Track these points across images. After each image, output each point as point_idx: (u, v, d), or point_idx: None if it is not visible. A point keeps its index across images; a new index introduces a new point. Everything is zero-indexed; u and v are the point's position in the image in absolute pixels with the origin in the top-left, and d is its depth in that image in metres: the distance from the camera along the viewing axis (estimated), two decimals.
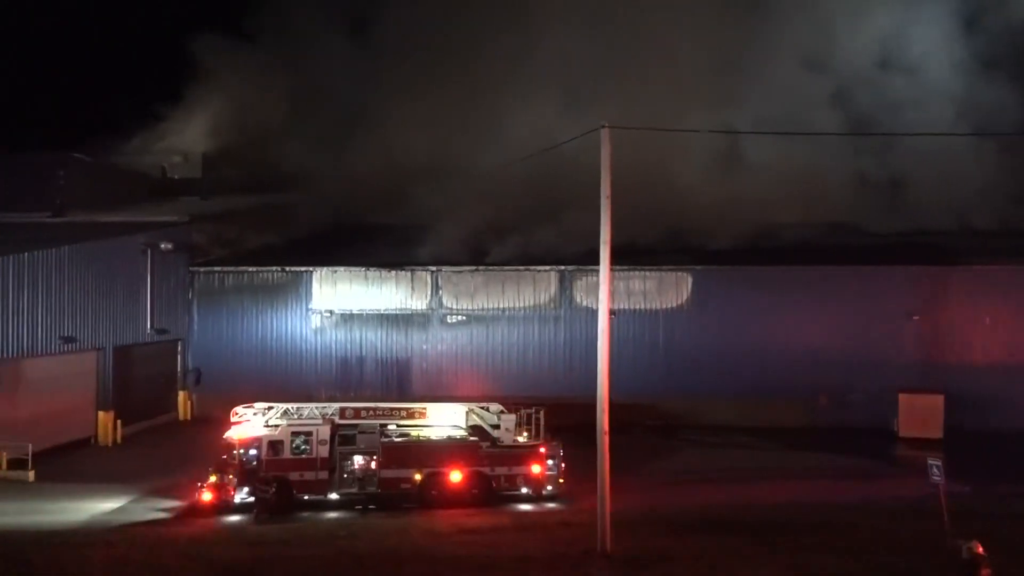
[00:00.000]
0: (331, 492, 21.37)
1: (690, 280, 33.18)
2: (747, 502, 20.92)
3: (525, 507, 21.38)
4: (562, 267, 33.54)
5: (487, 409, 22.65)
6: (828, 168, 39.66)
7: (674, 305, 33.20)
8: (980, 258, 33.77)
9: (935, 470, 17.30)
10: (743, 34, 41.02)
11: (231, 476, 20.75)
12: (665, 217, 35.55)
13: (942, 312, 31.88)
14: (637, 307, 33.19)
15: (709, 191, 36.53)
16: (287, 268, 34.67)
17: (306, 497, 21.22)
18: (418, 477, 21.12)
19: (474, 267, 34.16)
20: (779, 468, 25.10)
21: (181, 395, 34.11)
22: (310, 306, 34.25)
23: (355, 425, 22.00)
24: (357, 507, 21.33)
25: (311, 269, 34.44)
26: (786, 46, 41.46)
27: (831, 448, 27.74)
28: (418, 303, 34.07)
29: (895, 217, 39.17)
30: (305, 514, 20.90)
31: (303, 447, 21.19)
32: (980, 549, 11.89)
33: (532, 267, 33.89)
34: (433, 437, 22.07)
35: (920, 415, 29.23)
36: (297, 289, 34.43)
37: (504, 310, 33.74)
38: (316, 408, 22.24)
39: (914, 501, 19.73)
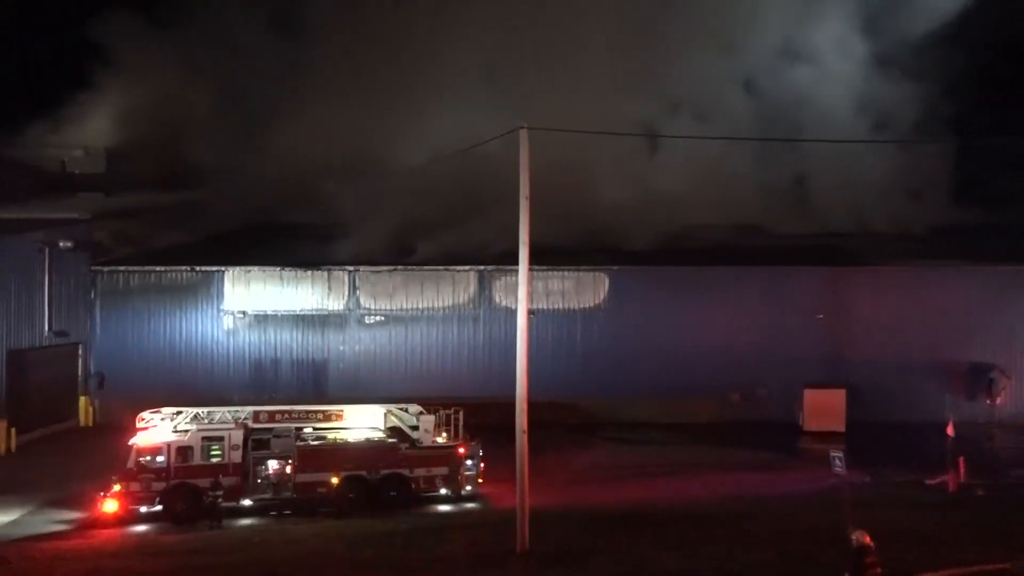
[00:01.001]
0: (244, 498, 20.78)
1: (607, 280, 33.72)
2: (662, 497, 21.41)
3: (445, 508, 21.33)
4: (481, 267, 33.57)
5: (406, 410, 22.47)
6: (739, 172, 41.09)
7: (592, 305, 33.70)
8: (879, 259, 35.53)
9: (837, 461, 18.08)
10: (660, 37, 41.99)
11: (136, 484, 19.93)
12: (583, 218, 36.09)
13: (844, 310, 33.33)
14: (556, 307, 33.54)
15: (625, 192, 37.27)
16: (197, 268, 33.50)
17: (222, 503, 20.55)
18: (335, 481, 20.75)
19: (392, 267, 33.82)
20: (692, 463, 25.75)
21: (83, 401, 32.50)
22: (222, 307, 33.20)
23: (269, 429, 21.46)
24: (272, 513, 20.81)
25: (223, 269, 33.38)
26: (699, 52, 42.65)
27: (741, 442, 28.67)
28: (335, 303, 33.48)
29: (801, 220, 40.89)
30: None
31: (215, 452, 20.54)
32: (867, 539, 12.42)
33: (451, 267, 33.79)
34: (351, 440, 21.75)
35: (824, 409, 30.53)
36: (208, 289, 33.31)
37: (423, 310, 33.53)
38: (228, 412, 21.60)
39: (818, 492, 20.62)
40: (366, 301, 33.58)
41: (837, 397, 30.67)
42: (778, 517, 19.38)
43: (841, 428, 29.89)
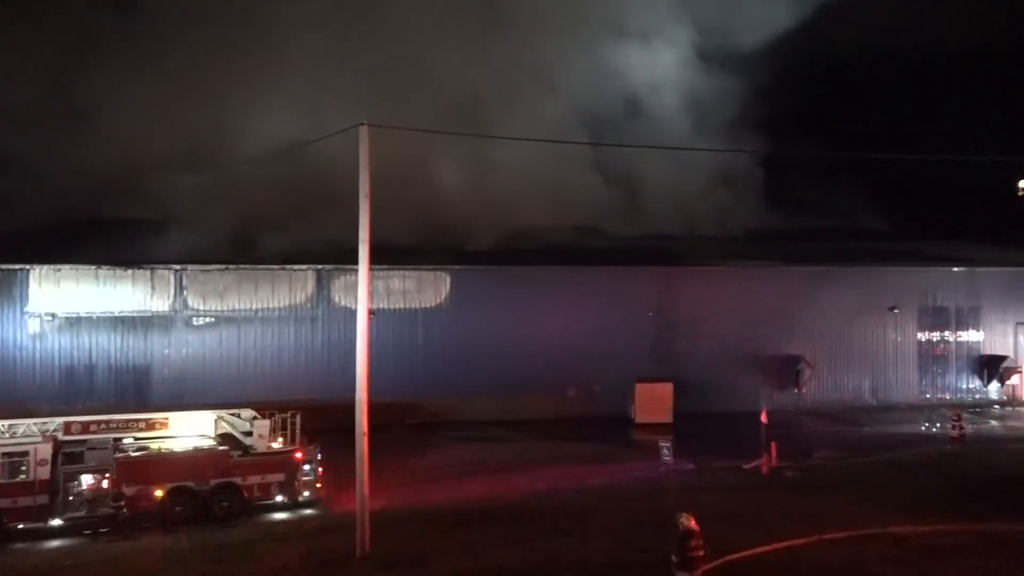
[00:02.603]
0: (53, 518, 19.01)
1: (449, 280, 33.79)
2: (503, 493, 21.72)
3: (282, 516, 20.52)
4: (319, 266, 32.61)
5: (238, 416, 21.42)
6: (574, 174, 42.59)
7: (434, 304, 33.64)
8: (703, 259, 37.92)
9: (665, 451, 19.22)
10: (491, 41, 42.67)
11: None
12: (425, 217, 36.03)
13: (672, 308, 35.27)
14: (397, 306, 33.20)
15: (466, 192, 37.60)
16: None
17: (20, 526, 18.69)
18: (160, 493, 19.43)
19: (224, 265, 32.10)
20: (532, 458, 26.30)
21: None
22: (27, 309, 30.13)
23: (83, 441, 19.78)
24: (86, 532, 19.16)
25: (27, 267, 30.29)
26: (531, 55, 43.80)
27: (578, 437, 29.66)
28: (159, 304, 31.31)
29: (634, 222, 43.01)
30: (19, 545, 18.38)
31: (19, 469, 18.65)
32: (692, 523, 13.22)
33: (287, 266, 32.59)
34: (177, 449, 20.45)
35: (653, 402, 32.16)
36: (10, 290, 30.13)
37: (257, 311, 32.09)
38: (35, 424, 19.68)
39: (649, 480, 21.72)
40: (194, 302, 31.68)
41: (665, 390, 32.42)
42: (613, 507, 20.21)
43: (669, 419, 31.59)
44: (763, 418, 25.02)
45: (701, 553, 13.17)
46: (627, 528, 18.02)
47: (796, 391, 34.84)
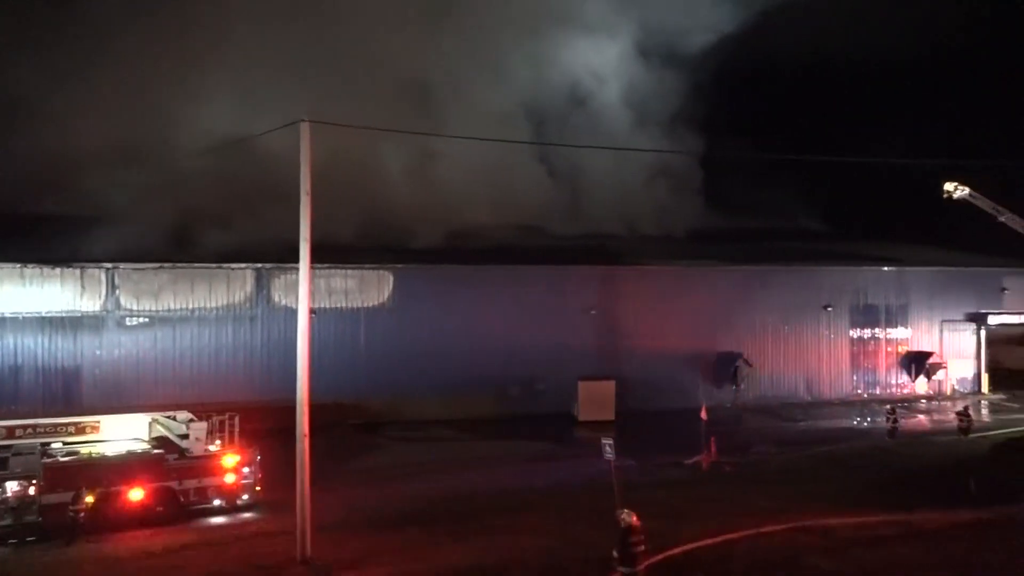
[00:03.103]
0: None
1: (392, 278, 33.48)
2: (447, 493, 21.64)
3: (219, 520, 20.02)
4: (259, 265, 31.96)
5: (174, 418, 20.84)
6: (518, 173, 42.73)
7: (376, 303, 33.29)
8: (645, 259, 38.44)
9: (607, 448, 19.38)
10: (436, 35, 42.48)
11: None
12: (367, 215, 35.66)
13: (615, 307, 35.65)
14: (339, 306, 32.77)
15: (409, 190, 37.36)
16: None
17: None
18: (90, 500, 18.77)
19: (159, 264, 31.21)
20: (477, 457, 26.30)
21: None
22: None
23: (8, 447, 19.01)
24: (11, 541, 18.39)
25: None
26: (479, 55, 43.77)
27: (522, 435, 29.75)
28: (90, 304, 30.25)
29: (576, 222, 43.37)
30: None
31: None
32: (634, 519, 13.40)
33: (225, 264, 31.84)
34: (109, 453, 19.80)
35: (596, 400, 32.49)
36: None
37: (194, 311, 31.29)
38: None
39: (592, 478, 21.89)
40: (127, 301, 30.72)
41: (608, 388, 32.78)
42: (556, 504, 20.35)
43: (612, 417, 31.95)
44: (703, 414, 25.51)
45: (643, 548, 13.36)
46: (570, 525, 18.16)
47: (735, 388, 35.60)
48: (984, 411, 35.03)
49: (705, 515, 18.66)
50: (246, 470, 20.50)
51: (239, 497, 20.38)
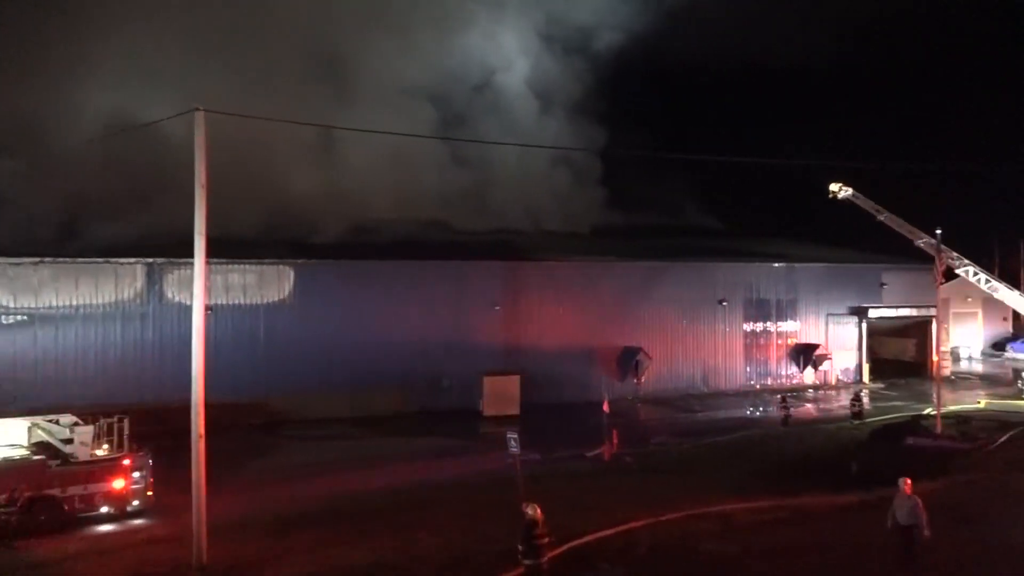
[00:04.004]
0: None
1: (292, 274, 32.67)
2: (350, 492, 21.29)
3: (107, 528, 19.04)
4: (150, 260, 30.58)
5: (56, 422, 19.71)
6: (423, 169, 42.46)
7: (276, 299, 32.41)
8: (549, 254, 38.90)
9: (512, 443, 19.53)
10: (342, 33, 41.72)
11: None
12: (266, 208, 34.67)
13: (520, 302, 35.94)
14: (236, 302, 31.73)
15: (310, 184, 36.53)
16: None
17: None
18: None
19: (39, 259, 29.39)
20: (381, 455, 25.99)
21: None
22: None
23: None
24: None
25: None
26: (385, 47, 43.22)
27: (428, 431, 29.62)
28: None
29: (482, 218, 43.46)
30: None
31: None
32: (538, 512, 13.55)
33: (114, 259, 30.31)
34: None
35: (501, 394, 32.68)
36: None
37: (79, 308, 29.64)
38: None
39: (497, 472, 22.03)
40: (4, 298, 28.82)
41: (512, 383, 33.02)
42: (460, 499, 20.35)
43: (516, 411, 32.21)
44: (605, 407, 26.05)
45: (547, 541, 13.50)
46: (474, 520, 18.19)
47: (636, 381, 36.50)
48: (865, 399, 37.16)
49: (608, 505, 19.05)
50: (137, 475, 19.57)
51: (129, 503, 19.45)
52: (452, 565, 15.39)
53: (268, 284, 32.34)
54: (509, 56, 48.47)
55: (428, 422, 31.01)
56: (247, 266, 32.05)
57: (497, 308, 35.33)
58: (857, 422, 30.38)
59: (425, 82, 44.52)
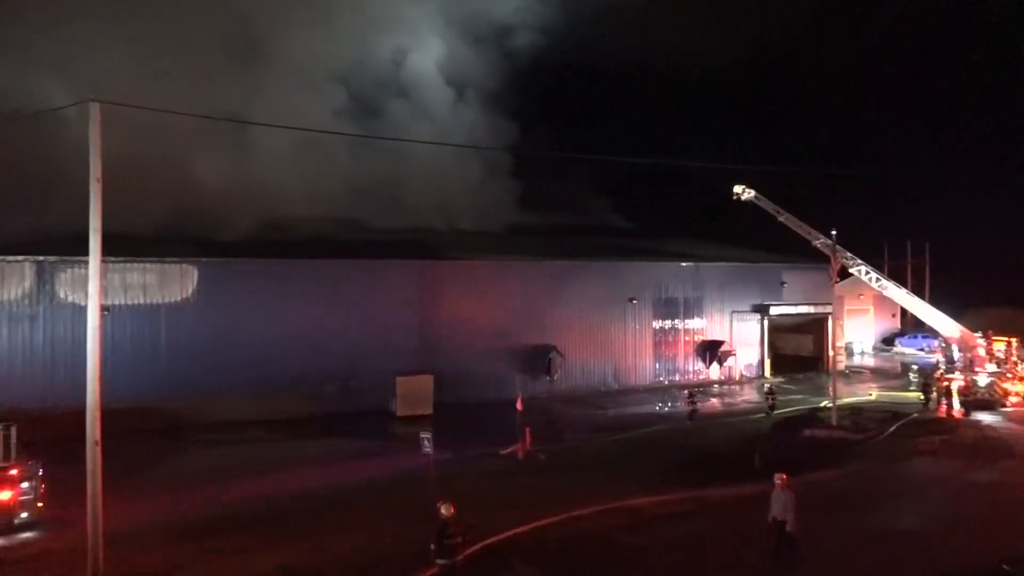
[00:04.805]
0: None
1: (196, 273, 31.49)
2: (257, 497, 20.67)
3: None
4: (40, 258, 28.91)
5: None
6: (336, 167, 41.72)
7: (179, 299, 31.17)
8: (462, 253, 38.83)
9: (426, 443, 19.45)
10: (255, 27, 40.56)
11: None
12: (168, 204, 33.34)
13: (433, 301, 35.75)
14: (136, 302, 30.38)
15: (217, 179, 35.34)
16: None
17: None
18: None
19: None
20: (289, 458, 25.34)
21: None
22: None
23: None
24: None
25: None
26: (295, 43, 42.27)
27: (339, 433, 29.05)
28: None
29: (395, 216, 43.02)
30: None
31: None
32: (452, 511, 13.54)
33: (0, 257, 28.55)
34: None
35: (414, 395, 32.38)
36: None
37: None
38: None
39: (409, 472, 21.87)
40: None
41: (426, 382, 32.78)
42: (372, 502, 20.09)
43: (430, 411, 32.01)
44: (519, 406, 26.21)
45: (460, 540, 13.50)
46: (387, 522, 18.01)
47: (548, 379, 36.88)
48: (773, 392, 38.63)
49: (521, 503, 19.19)
50: (25, 485, 18.46)
51: (17, 515, 18.33)
52: (364, 568, 15.20)
53: (170, 283, 31.08)
54: (423, 48, 48.23)
55: (340, 424, 30.47)
56: (147, 265, 30.72)
57: (410, 307, 35.04)
58: (775, 413, 31.77)
59: (337, 69, 43.70)
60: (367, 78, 46.00)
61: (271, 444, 27.73)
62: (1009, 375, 34.11)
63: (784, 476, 15.36)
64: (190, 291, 31.33)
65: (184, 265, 31.36)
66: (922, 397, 33.73)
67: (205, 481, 22.43)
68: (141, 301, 30.47)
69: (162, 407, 29.50)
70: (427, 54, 48.29)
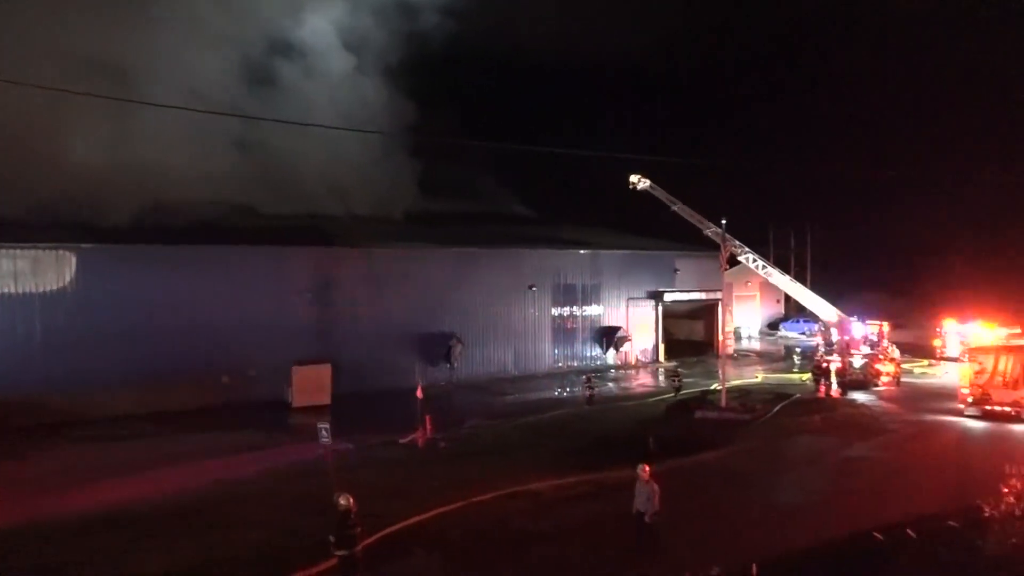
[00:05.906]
0: None
1: (75, 259, 29.69)
2: (144, 494, 19.72)
3: None
4: None
5: None
6: (226, 149, 40.08)
7: (56, 287, 29.33)
8: (361, 241, 38.16)
9: (324, 433, 19.08)
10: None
11: None
12: (42, 188, 31.18)
13: (331, 289, 35.02)
14: (6, 291, 28.41)
15: (95, 161, 33.30)
16: None
17: None
18: None
19: None
20: (179, 452, 24.30)
21: None
22: None
23: None
24: None
25: None
26: (189, 22, 40.32)
27: (233, 426, 28.10)
28: None
29: (290, 201, 41.77)
30: None
31: None
32: (351, 502, 13.33)
33: None
34: None
35: (311, 384, 31.70)
36: None
37: None
38: None
39: (307, 464, 21.42)
40: None
41: (324, 372, 32.15)
42: (268, 495, 19.56)
43: (328, 401, 31.43)
44: (419, 393, 26.06)
45: (359, 530, 13.32)
46: (284, 515, 17.58)
47: (449, 366, 36.85)
48: (661, 377, 39.94)
49: (421, 491, 19.11)
50: None
51: None
52: (259, 562, 14.78)
53: (45, 271, 29.18)
54: (322, 10, 46.94)
55: (234, 415, 29.48)
56: (18, 251, 28.76)
57: (308, 295, 34.23)
58: (683, 394, 32.94)
59: (228, 32, 41.80)
60: (260, 42, 44.38)
61: (161, 438, 26.53)
62: (881, 356, 36.48)
63: (647, 467, 15.19)
64: (68, 279, 29.54)
65: (61, 251, 29.51)
66: (812, 379, 35.45)
67: (86, 479, 21.22)
68: (12, 290, 28.52)
69: (38, 402, 27.78)
70: (325, 16, 47.04)
